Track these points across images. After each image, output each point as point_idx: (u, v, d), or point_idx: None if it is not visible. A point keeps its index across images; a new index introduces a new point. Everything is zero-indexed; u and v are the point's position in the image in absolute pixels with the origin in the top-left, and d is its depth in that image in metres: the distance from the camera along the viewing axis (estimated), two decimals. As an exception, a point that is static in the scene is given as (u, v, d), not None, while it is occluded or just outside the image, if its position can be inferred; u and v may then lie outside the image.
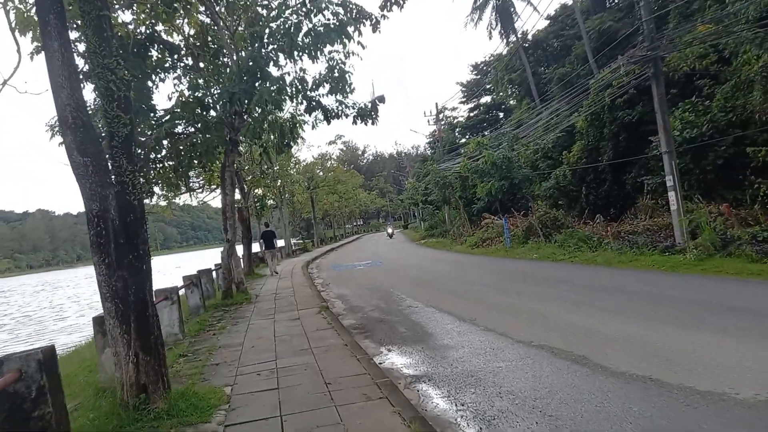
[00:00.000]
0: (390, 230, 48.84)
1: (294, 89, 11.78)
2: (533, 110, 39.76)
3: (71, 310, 29.60)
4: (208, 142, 10.34)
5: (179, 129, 10.95)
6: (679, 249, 13.02)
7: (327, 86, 11.78)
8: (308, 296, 12.54)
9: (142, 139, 10.34)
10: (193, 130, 10.65)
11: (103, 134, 4.99)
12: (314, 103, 11.60)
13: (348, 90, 11.67)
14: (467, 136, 66.21)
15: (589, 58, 35.78)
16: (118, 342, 4.59)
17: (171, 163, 13.17)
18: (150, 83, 10.81)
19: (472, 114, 67.30)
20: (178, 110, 10.23)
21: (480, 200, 35.72)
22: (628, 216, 20.45)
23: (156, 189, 14.50)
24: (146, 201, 15.45)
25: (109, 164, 4.68)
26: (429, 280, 14.26)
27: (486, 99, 67.70)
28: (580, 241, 16.98)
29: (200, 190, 20.29)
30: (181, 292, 11.32)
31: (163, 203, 19.86)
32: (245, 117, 11.30)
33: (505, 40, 46.54)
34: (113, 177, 4.66)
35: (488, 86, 67.32)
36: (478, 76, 69.57)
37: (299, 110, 13.71)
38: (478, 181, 34.87)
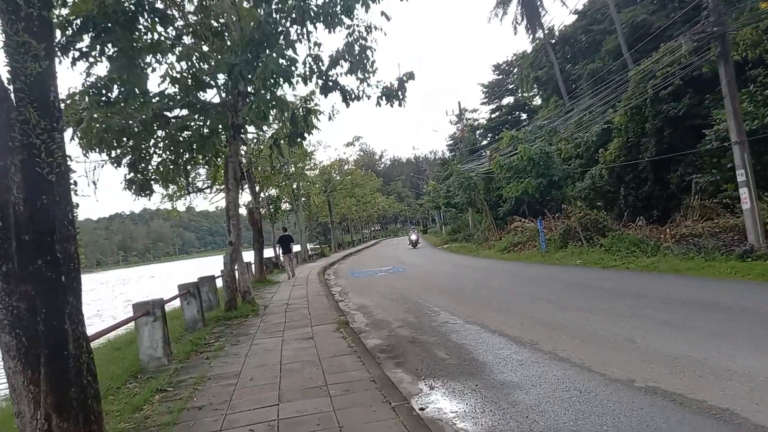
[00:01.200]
0: (413, 237, 38.42)
1: (308, 68, 10.15)
2: (562, 108, 37.76)
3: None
4: (206, 127, 8.71)
5: (173, 113, 9.34)
6: (761, 254, 11.02)
7: (346, 65, 10.13)
8: (324, 308, 10.82)
9: (130, 123, 8.75)
10: (187, 113, 9.02)
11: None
12: (331, 83, 9.93)
13: (370, 69, 9.98)
14: (488, 138, 64.32)
15: (623, 52, 33.66)
16: (21, 397, 2.90)
17: (167, 154, 11.70)
18: (143, 64, 9.29)
19: (494, 115, 65.46)
20: (169, 88, 8.62)
21: (506, 202, 33.80)
22: (676, 217, 18.48)
23: (156, 187, 13.09)
24: (146, 200, 13.90)
25: (13, 119, 3.00)
26: (463, 290, 12.44)
27: (508, 100, 65.84)
28: (632, 245, 15.01)
29: (208, 189, 18.78)
30: (176, 303, 9.71)
31: (167, 205, 18.39)
32: (250, 98, 9.65)
33: (531, 36, 44.66)
34: (18, 138, 2.98)
35: (511, 86, 65.46)
36: (500, 77, 67.76)
37: (314, 94, 12.07)
38: (505, 183, 32.99)
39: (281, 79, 7.99)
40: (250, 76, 7.57)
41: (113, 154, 10.86)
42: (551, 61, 42.64)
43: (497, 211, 33.24)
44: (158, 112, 8.38)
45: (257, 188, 17.75)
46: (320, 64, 10.02)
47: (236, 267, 10.95)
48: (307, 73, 10.27)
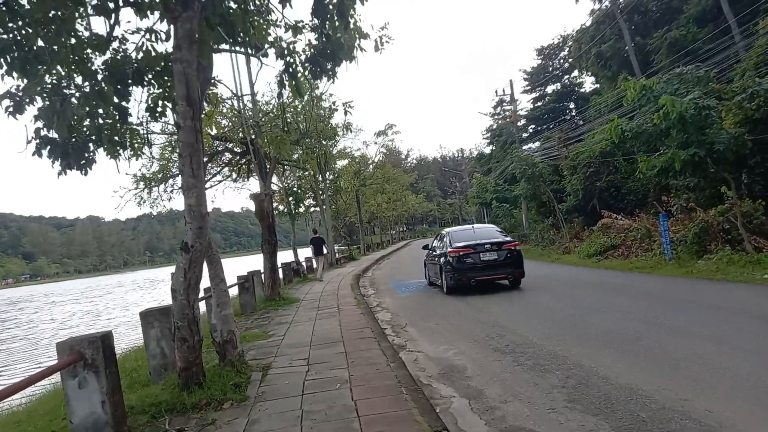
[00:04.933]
0: None
1: None
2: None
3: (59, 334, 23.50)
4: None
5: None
6: None
7: None
8: (385, 384, 5.27)
9: None
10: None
11: None
12: None
13: None
14: (530, 130, 58.11)
15: (727, 16, 27.25)
16: None
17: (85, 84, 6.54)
18: None
19: (538, 104, 59.28)
20: None
21: (570, 196, 27.85)
22: None
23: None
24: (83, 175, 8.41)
25: None
26: (622, 334, 6.76)
27: (553, 87, 59.66)
28: None
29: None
30: (50, 382, 4.33)
31: (144, 194, 13.13)
32: None
33: (595, 3, 38.34)
34: None
35: (556, 72, 59.36)
36: (544, 62, 61.67)
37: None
38: (570, 172, 27.15)
39: None
40: None
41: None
42: (617, 33, 36.49)
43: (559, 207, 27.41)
44: None
45: (268, 167, 12.36)
46: None
47: (194, 300, 5.43)
48: None
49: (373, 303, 12.52)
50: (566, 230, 24.42)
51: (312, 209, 32.88)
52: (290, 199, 20.77)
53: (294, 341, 7.81)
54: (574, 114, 54.48)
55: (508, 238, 12.62)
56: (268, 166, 12.51)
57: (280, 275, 18.51)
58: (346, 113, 10.39)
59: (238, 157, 13.37)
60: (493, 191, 35.10)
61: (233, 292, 14.82)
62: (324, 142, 15.82)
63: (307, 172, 25.21)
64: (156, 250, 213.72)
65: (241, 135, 12.05)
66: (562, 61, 59.98)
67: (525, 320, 8.27)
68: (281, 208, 22.04)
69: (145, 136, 8.52)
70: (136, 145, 8.42)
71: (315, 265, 20.76)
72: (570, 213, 27.05)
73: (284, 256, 26.57)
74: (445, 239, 13.27)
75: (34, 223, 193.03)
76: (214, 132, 12.13)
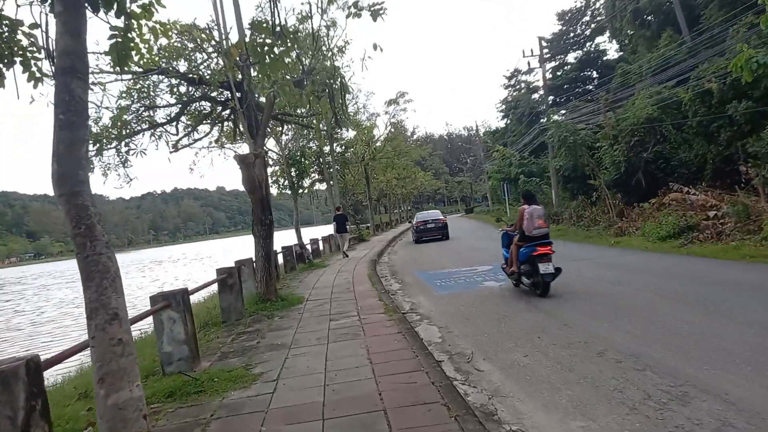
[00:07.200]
0: None
1: None
2: (682, 44, 27.81)
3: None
4: None
5: None
6: None
7: None
8: None
9: None
10: None
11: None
12: None
13: None
14: (549, 101, 54.18)
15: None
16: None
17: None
18: None
19: (558, 74, 55.06)
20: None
21: (607, 170, 24.31)
22: None
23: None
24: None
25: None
26: None
27: (575, 55, 55.58)
28: None
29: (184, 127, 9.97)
30: None
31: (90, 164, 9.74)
32: None
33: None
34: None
35: (578, 38, 55.18)
36: (565, 27, 57.41)
37: None
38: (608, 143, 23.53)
39: None
40: None
41: None
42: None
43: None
44: None
45: (260, 119, 8.81)
46: None
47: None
48: None
49: (405, 306, 9.15)
50: (612, 208, 20.95)
51: (316, 186, 29.53)
52: (292, 170, 17.32)
53: (293, 401, 4.43)
54: (596, 84, 50.52)
55: (441, 217, 25.92)
56: (260, 119, 9.04)
57: (280, 261, 15.22)
58: (375, 18, 7.06)
59: (219, 108, 9.94)
60: (519, 165, 31.54)
61: (206, 292, 11.37)
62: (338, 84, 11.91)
63: (312, 141, 21.75)
64: (160, 229, 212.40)
65: (220, 67, 8.51)
66: (584, 26, 55.68)
67: (690, 354, 4.85)
68: (282, 181, 18.62)
69: (44, 46, 4.99)
70: (33, 63, 5.04)
71: (339, 243, 20.83)
72: (608, 188, 23.55)
73: (286, 237, 23.26)
74: (414, 216, 26.54)
75: (38, 201, 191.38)
76: (183, 68, 8.65)
